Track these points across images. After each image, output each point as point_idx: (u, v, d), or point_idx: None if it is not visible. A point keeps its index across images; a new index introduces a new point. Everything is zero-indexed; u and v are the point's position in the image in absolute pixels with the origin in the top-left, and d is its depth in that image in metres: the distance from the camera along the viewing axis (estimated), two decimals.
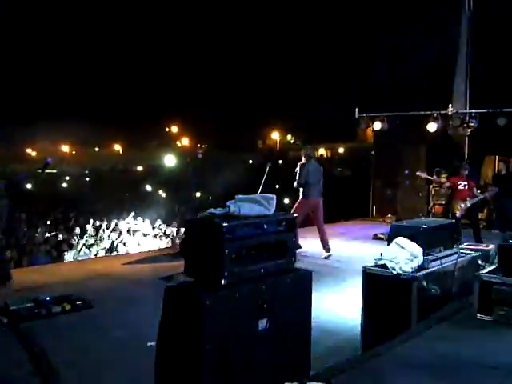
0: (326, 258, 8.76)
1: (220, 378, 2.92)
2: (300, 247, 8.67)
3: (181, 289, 3.11)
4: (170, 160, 16.78)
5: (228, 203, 3.25)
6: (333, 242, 9.29)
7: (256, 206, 3.33)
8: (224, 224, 3.00)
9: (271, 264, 3.28)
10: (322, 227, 8.94)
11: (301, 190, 8.84)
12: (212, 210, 3.31)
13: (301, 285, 3.43)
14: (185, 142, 52.27)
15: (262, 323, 3.13)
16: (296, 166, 8.99)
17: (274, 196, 3.48)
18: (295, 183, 8.84)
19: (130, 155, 49.36)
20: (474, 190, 9.75)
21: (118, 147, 56.00)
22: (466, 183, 9.60)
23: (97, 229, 14.89)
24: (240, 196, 3.32)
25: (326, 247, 8.89)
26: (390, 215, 14.04)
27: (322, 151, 45.02)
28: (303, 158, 8.95)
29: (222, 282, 2.97)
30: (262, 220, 3.28)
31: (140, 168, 41.49)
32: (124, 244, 14.16)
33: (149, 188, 25.85)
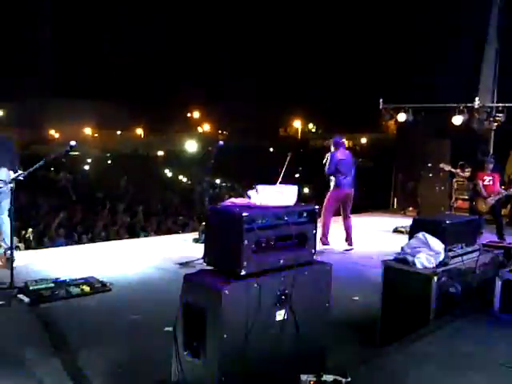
0: (346, 251, 8.56)
1: (237, 366, 2.91)
2: (328, 244, 8.50)
3: (199, 277, 3.11)
4: (191, 145, 16.79)
5: (249, 192, 3.24)
6: (353, 234, 9.21)
7: (277, 196, 3.31)
8: (244, 214, 2.98)
9: (291, 255, 3.25)
10: (349, 219, 8.66)
11: (332, 180, 8.46)
12: (233, 199, 3.30)
13: (320, 277, 3.41)
14: (206, 127, 52.36)
15: (280, 314, 3.11)
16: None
17: (296, 186, 3.45)
18: (326, 173, 8.45)
19: (151, 140, 49.69)
20: (498, 185, 9.56)
21: (139, 131, 56.30)
22: (491, 178, 9.42)
23: (116, 212, 15.06)
24: (261, 186, 3.29)
25: (349, 241, 8.64)
26: (411, 208, 13.91)
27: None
28: (332, 147, 8.55)
29: (241, 271, 2.96)
30: (283, 211, 3.26)
31: (161, 153, 41.75)
32: (143, 228, 14.30)
33: (169, 173, 26.00)
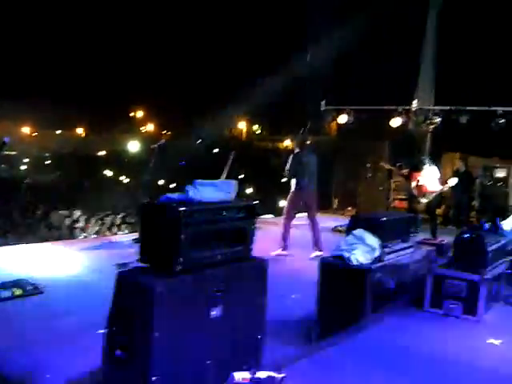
0: (316, 257, 7.65)
1: (169, 365, 2.85)
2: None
3: (132, 275, 3.03)
4: (133, 145, 16.50)
5: (187, 188, 3.17)
6: (292, 234, 9.14)
7: (215, 191, 3.27)
8: (181, 208, 2.92)
9: (228, 251, 3.22)
10: (316, 222, 8.26)
11: (293, 181, 8.10)
12: (169, 195, 3.21)
13: (257, 273, 3.40)
14: (150, 127, 51.56)
15: (215, 311, 3.07)
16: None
17: (235, 182, 3.42)
18: (285, 175, 8.16)
19: (92, 139, 48.37)
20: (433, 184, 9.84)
21: (80, 131, 54.66)
22: (425, 178, 9.69)
23: (55, 214, 14.58)
24: (199, 181, 3.23)
25: (319, 245, 8.01)
26: (350, 208, 14.20)
27: (287, 143, 45.04)
28: (296, 148, 8.23)
29: (176, 268, 2.89)
30: (221, 206, 3.22)
31: (103, 153, 40.73)
32: (82, 229, 13.91)
33: (109, 173, 25.43)
